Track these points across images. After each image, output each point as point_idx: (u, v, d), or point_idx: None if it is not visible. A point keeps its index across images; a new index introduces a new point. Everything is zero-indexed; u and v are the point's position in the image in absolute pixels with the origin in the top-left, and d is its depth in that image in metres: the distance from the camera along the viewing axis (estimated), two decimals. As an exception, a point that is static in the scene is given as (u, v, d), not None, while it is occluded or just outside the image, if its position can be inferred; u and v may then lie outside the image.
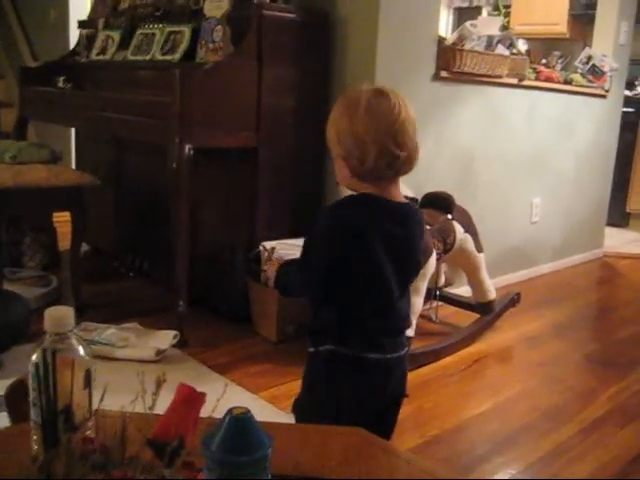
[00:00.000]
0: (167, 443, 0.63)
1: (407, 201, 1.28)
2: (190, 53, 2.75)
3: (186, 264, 2.51)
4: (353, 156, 1.21)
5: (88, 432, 0.79)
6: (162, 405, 0.74)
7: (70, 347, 0.79)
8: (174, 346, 2.48)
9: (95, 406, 0.81)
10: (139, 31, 3.09)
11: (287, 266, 1.39)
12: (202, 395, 0.72)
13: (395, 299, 1.30)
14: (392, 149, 1.20)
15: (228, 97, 2.50)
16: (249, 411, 0.76)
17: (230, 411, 0.76)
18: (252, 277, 2.68)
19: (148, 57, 2.92)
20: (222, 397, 0.76)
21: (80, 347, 0.80)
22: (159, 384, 0.64)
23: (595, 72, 3.93)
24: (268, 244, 2.62)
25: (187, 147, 2.37)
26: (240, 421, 0.74)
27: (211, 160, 2.71)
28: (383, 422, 1.37)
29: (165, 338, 2.48)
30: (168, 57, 2.80)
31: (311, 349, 1.32)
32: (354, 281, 1.25)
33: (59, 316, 0.79)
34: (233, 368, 2.40)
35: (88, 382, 0.79)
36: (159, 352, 2.40)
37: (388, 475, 0.98)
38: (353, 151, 1.21)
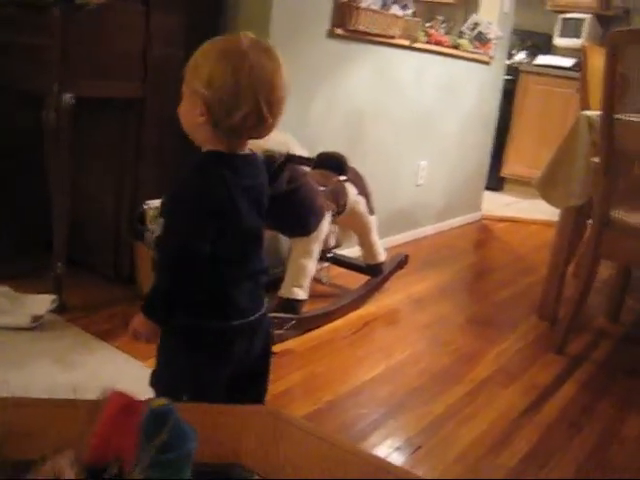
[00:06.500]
0: (104, 468, 0.53)
1: (251, 151, 1.24)
2: (69, -7, 2.51)
3: (65, 222, 2.33)
4: (223, 105, 1.14)
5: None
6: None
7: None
8: (52, 311, 2.30)
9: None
10: (9, -36, 2.79)
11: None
12: (140, 403, 0.63)
13: (257, 252, 1.27)
14: (264, 112, 1.15)
15: (113, 43, 2.31)
16: (170, 402, 0.68)
17: (147, 404, 0.68)
18: (136, 237, 2.54)
19: (20, -6, 2.65)
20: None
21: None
22: None
23: (481, 39, 3.99)
24: (153, 203, 2.49)
25: (68, 96, 2.18)
26: (160, 415, 0.66)
27: (94, 112, 2.52)
28: (253, 384, 1.34)
29: (42, 303, 2.30)
30: (43, -5, 2.55)
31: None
32: (221, 239, 1.18)
33: None
34: (117, 334, 2.25)
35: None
36: (35, 318, 2.22)
37: (306, 456, 0.94)
38: (226, 100, 1.13)
